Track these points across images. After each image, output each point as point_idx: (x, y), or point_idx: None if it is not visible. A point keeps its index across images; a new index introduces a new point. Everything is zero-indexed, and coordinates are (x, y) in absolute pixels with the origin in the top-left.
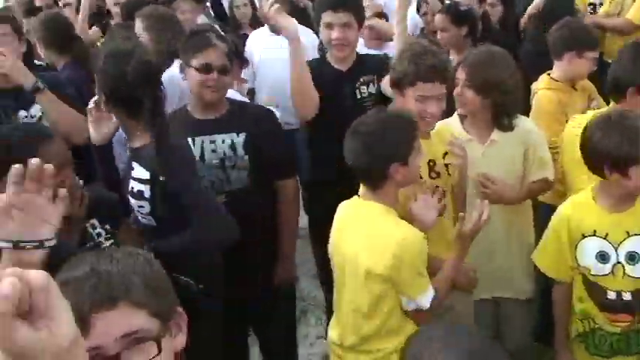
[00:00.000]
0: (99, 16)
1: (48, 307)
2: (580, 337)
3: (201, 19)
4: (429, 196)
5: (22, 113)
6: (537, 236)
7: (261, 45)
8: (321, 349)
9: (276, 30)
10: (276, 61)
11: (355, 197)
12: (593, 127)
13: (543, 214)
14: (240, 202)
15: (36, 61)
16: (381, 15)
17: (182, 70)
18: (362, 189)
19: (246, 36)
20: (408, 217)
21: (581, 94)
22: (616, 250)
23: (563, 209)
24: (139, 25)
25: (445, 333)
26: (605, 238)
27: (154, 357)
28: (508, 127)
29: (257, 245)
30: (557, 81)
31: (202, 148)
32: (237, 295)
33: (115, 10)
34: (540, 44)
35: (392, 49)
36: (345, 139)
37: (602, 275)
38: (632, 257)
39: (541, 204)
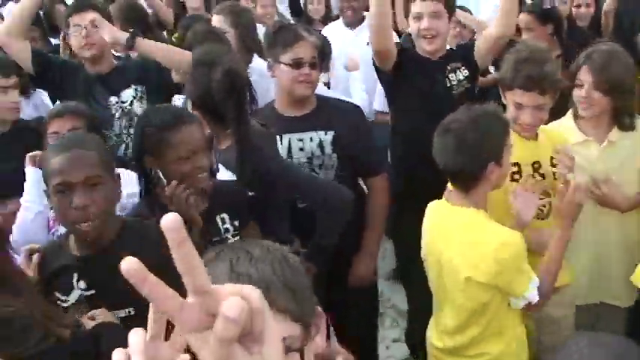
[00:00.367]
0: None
1: (262, 329)
2: None
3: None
4: (530, 193)
5: (113, 99)
6: None
7: (336, 39)
8: (399, 351)
9: (350, 24)
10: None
11: (444, 200)
12: None
13: None
14: None
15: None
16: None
17: (270, 67)
18: (450, 190)
19: (317, 32)
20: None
21: None
22: None
23: None
24: (221, 21)
25: (589, 341)
26: None
27: None
28: (629, 127)
29: (342, 244)
30: None
31: (290, 146)
32: (322, 293)
33: None
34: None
35: None
36: (435, 138)
37: None
38: None
39: None
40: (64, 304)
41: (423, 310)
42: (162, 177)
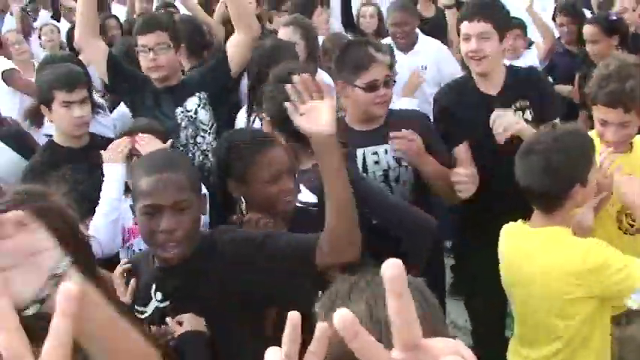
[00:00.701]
0: None
1: None
2: None
3: None
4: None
5: (179, 110)
6: None
7: None
8: None
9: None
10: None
11: (520, 223)
12: None
13: None
14: None
15: None
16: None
17: (340, 86)
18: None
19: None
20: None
21: None
22: None
23: None
24: (291, 33)
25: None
26: None
27: None
28: None
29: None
30: None
31: (365, 160)
32: None
33: None
34: None
35: (530, 57)
36: (517, 159)
37: None
38: None
39: None
40: (142, 316)
41: (489, 332)
42: (244, 206)
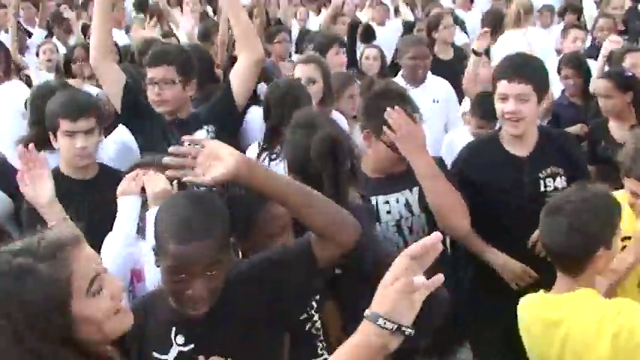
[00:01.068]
0: None
1: None
2: None
3: None
4: None
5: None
6: None
7: None
8: None
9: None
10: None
11: (541, 294)
12: None
13: None
14: None
15: None
16: None
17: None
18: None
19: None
20: None
21: None
22: None
23: None
24: (311, 70)
25: None
26: None
27: None
28: None
29: None
30: None
31: (377, 209)
32: None
33: None
34: None
35: None
36: (543, 217)
37: None
38: None
39: None
40: None
41: None
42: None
